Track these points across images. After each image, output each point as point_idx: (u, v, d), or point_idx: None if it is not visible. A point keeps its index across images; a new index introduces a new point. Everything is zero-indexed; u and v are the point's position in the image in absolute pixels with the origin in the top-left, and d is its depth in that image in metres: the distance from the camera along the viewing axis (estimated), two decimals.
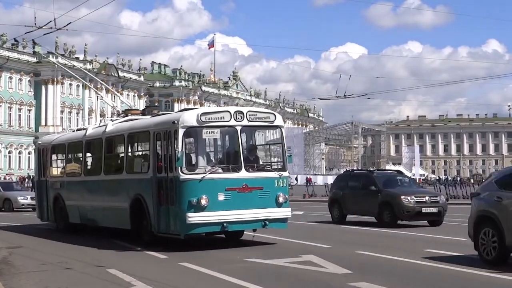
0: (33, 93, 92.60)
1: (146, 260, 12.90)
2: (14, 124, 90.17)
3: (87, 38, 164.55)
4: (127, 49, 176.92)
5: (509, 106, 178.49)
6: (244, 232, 15.69)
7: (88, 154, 18.63)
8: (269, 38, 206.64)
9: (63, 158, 20.18)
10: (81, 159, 18.64)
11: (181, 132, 13.70)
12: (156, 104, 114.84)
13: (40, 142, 22.18)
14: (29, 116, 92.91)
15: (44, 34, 21.57)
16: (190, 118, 13.86)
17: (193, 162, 14.44)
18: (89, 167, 18.54)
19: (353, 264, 11.83)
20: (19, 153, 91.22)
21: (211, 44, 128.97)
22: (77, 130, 20.90)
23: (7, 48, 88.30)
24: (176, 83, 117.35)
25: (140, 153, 16.53)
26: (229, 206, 13.76)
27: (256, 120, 14.51)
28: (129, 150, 16.46)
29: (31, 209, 29.73)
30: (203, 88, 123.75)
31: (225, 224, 13.76)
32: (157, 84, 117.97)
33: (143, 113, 17.93)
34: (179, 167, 13.59)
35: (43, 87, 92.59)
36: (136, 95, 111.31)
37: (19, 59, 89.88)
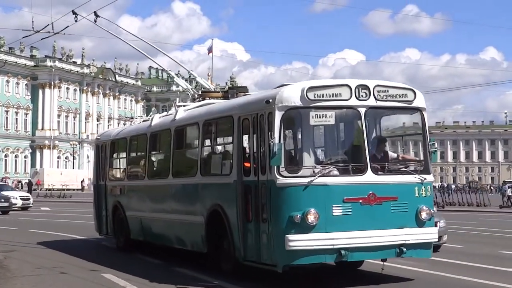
0: (30, 96, 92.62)
1: (142, 265, 12.88)
2: (11, 127, 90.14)
3: (86, 42, 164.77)
4: (125, 54, 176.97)
5: (505, 113, 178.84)
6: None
7: (153, 151, 14.55)
8: (268, 44, 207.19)
9: (124, 156, 16.03)
10: (145, 157, 14.58)
11: (278, 116, 9.60)
12: (153, 109, 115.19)
13: (99, 138, 18.11)
14: (26, 119, 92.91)
15: (41, 39, 21.55)
16: (292, 95, 9.66)
17: (296, 159, 10.17)
18: (154, 168, 14.62)
19: None
20: (16, 156, 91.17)
21: (210, 50, 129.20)
22: (143, 121, 16.37)
23: (4, 51, 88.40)
24: (173, 87, 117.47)
25: (219, 148, 12.18)
26: (348, 224, 9.51)
27: (387, 99, 10.11)
28: (205, 144, 12.27)
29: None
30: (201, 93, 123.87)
31: (342, 252, 9.44)
32: (154, 88, 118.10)
33: (226, 96, 13.58)
34: (275, 167, 9.48)
35: (40, 91, 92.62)
36: (133, 99, 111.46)
37: (16, 62, 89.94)
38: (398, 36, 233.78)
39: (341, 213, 9.50)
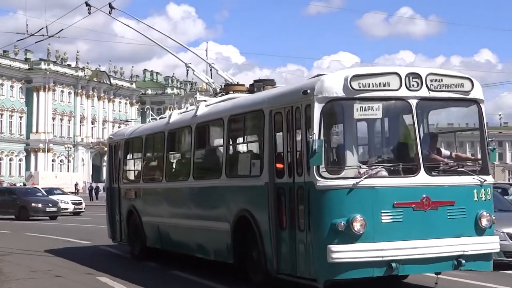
0: (24, 100, 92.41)
1: (140, 269, 12.87)
2: (5, 131, 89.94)
3: (81, 45, 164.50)
4: (120, 57, 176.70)
5: (500, 115, 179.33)
6: None
7: (172, 151, 13.36)
8: (262, 46, 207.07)
9: (140, 157, 14.83)
10: (162, 157, 13.34)
11: (318, 108, 8.49)
12: (147, 112, 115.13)
13: (112, 137, 16.68)
14: (21, 123, 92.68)
15: (36, 42, 21.52)
16: (333, 85, 8.54)
17: (338, 158, 8.97)
18: (172, 169, 13.44)
19: None
20: (10, 160, 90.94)
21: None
22: (159, 118, 15.66)
23: None
24: (168, 90, 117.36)
25: (247, 146, 11.16)
26: (399, 233, 8.40)
27: (441, 89, 8.97)
28: (231, 142, 11.14)
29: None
30: (197, 96, 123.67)
31: (393, 265, 8.31)
32: (149, 91, 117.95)
33: (251, 89, 12.51)
34: (315, 167, 8.38)
35: (34, 94, 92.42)
36: (128, 102, 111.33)
37: (10, 65, 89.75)
38: (393, 38, 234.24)
39: (391, 220, 8.39)
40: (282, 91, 10.01)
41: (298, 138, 8.97)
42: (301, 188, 8.75)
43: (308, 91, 8.64)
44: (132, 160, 15.42)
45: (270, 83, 12.26)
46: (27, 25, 22.20)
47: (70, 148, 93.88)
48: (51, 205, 30.69)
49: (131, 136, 15.13)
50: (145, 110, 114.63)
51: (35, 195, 32.37)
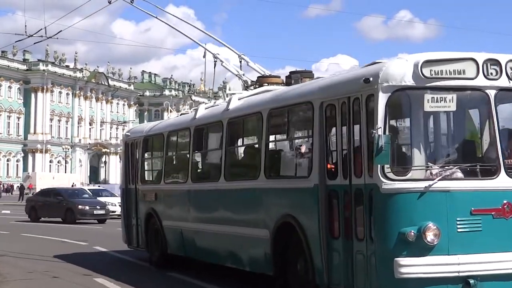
0: (22, 100, 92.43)
1: (135, 269, 12.89)
2: (3, 131, 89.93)
3: (80, 47, 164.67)
4: (119, 58, 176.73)
5: None
6: None
7: (199, 149, 12.05)
8: (261, 48, 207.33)
9: (160, 155, 13.52)
10: (187, 156, 12.13)
11: (383, 99, 7.39)
12: (145, 113, 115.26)
13: (129, 134, 15.16)
14: (18, 123, 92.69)
15: (34, 43, 21.56)
16: (401, 72, 7.43)
17: (405, 157, 7.78)
18: (199, 169, 12.29)
19: None
20: (8, 160, 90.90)
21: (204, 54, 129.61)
22: (180, 114, 14.41)
23: None
24: (166, 92, 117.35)
25: (291, 143, 9.69)
26: (477, 245, 7.30)
27: None
28: (271, 138, 9.91)
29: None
30: (193, 97, 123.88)
31: (471, 281, 7.20)
32: (147, 93, 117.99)
33: (288, 82, 11.15)
34: (380, 167, 7.31)
35: (32, 95, 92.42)
36: (126, 103, 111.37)
37: (9, 66, 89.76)
38: (391, 41, 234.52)
39: (468, 230, 7.21)
40: (336, 80, 8.69)
41: (356, 133, 7.76)
42: (360, 191, 7.60)
43: (371, 79, 7.46)
44: (152, 159, 14.28)
45: (308, 74, 10.92)
46: (25, 26, 22.17)
47: (68, 149, 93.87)
48: (99, 207, 28.66)
49: (151, 133, 13.81)
50: (143, 111, 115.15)
51: (82, 196, 30.25)
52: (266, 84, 11.59)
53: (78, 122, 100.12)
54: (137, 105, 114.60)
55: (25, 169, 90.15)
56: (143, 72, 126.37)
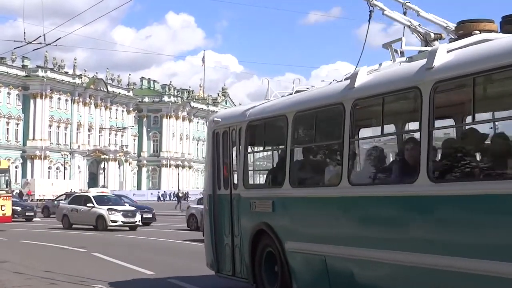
0: (21, 107, 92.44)
1: (133, 276, 12.88)
2: (2, 138, 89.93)
3: (79, 53, 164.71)
4: (119, 64, 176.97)
5: None
6: None
7: (361, 135, 8.67)
8: (261, 55, 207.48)
9: (283, 147, 9.35)
10: (339, 146, 8.16)
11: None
12: (144, 120, 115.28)
13: (219, 120, 11.02)
14: (17, 130, 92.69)
15: (33, 50, 21.62)
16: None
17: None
18: (364, 166, 8.32)
19: None
20: None
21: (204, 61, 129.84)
22: (310, 87, 10.10)
23: None
24: (165, 98, 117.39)
25: None
26: None
27: None
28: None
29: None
30: (192, 104, 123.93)
31: None
32: (146, 99, 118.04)
33: (507, 29, 7.55)
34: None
35: (31, 101, 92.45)
36: (125, 110, 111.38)
37: (7, 72, 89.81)
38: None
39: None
40: None
41: None
42: None
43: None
44: (265, 153, 10.78)
45: None
46: (24, 33, 22.25)
47: (67, 156, 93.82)
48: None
49: (263, 115, 9.95)
50: (142, 117, 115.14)
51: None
52: (478, 32, 7.61)
53: (77, 128, 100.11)
54: (136, 111, 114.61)
55: (23, 175, 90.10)
56: (142, 78, 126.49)
